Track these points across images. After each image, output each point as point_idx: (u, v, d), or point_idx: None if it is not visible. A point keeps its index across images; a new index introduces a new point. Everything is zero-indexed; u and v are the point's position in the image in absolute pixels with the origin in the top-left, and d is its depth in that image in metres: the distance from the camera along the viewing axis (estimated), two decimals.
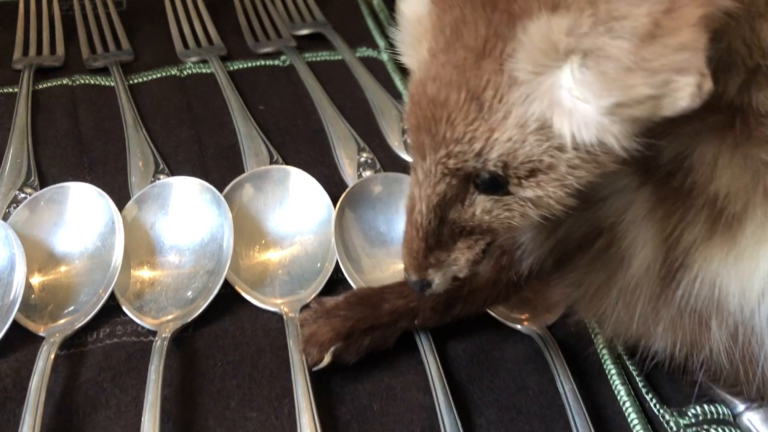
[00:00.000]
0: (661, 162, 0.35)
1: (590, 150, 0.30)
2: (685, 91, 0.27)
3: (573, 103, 0.29)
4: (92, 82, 0.67)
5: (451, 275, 0.38)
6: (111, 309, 0.49)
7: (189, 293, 0.49)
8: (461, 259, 0.37)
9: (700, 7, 0.27)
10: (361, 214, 0.53)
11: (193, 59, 0.71)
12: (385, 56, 0.73)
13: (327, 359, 0.44)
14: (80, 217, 0.51)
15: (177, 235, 0.51)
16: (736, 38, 0.31)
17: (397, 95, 0.68)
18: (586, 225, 0.39)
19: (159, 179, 0.57)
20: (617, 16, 0.27)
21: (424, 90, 0.32)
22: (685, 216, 0.36)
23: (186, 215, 0.52)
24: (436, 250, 0.36)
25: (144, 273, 0.50)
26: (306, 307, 0.48)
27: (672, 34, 0.27)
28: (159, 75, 0.69)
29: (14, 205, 0.54)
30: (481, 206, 0.35)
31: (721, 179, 0.34)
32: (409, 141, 0.35)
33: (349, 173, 0.60)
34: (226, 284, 0.50)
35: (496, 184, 0.33)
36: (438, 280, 0.37)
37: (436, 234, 0.36)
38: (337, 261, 0.51)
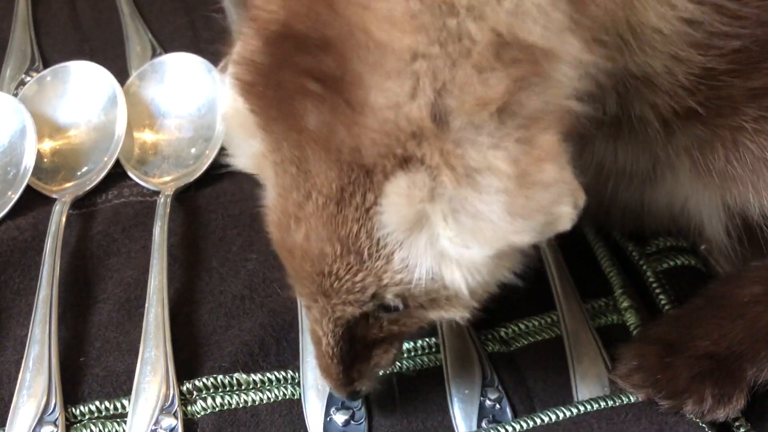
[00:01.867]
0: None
1: (485, 284, 0.31)
2: (565, 218, 0.28)
3: (458, 252, 0.29)
4: None
5: (376, 376, 0.37)
6: (118, 175, 0.52)
7: (189, 159, 0.53)
8: (382, 362, 0.36)
9: (553, 132, 0.27)
10: None
11: None
12: None
13: None
14: (84, 91, 0.54)
15: (176, 106, 0.55)
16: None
17: None
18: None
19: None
20: (477, 168, 0.27)
21: (290, 237, 0.31)
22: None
23: (183, 88, 0.55)
24: (356, 365, 0.35)
25: (147, 142, 0.54)
26: None
27: (536, 174, 0.27)
28: None
29: (21, 87, 0.57)
30: (386, 321, 0.34)
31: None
32: (295, 288, 0.34)
33: None
34: (225, 151, 0.53)
35: (397, 308, 0.33)
36: (366, 386, 0.37)
37: (350, 354, 0.35)
38: None
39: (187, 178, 0.51)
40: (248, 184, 0.52)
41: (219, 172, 0.52)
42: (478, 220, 0.27)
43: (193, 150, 0.53)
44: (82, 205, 0.51)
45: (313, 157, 0.29)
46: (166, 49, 0.62)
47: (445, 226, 0.28)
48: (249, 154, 0.33)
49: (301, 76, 0.28)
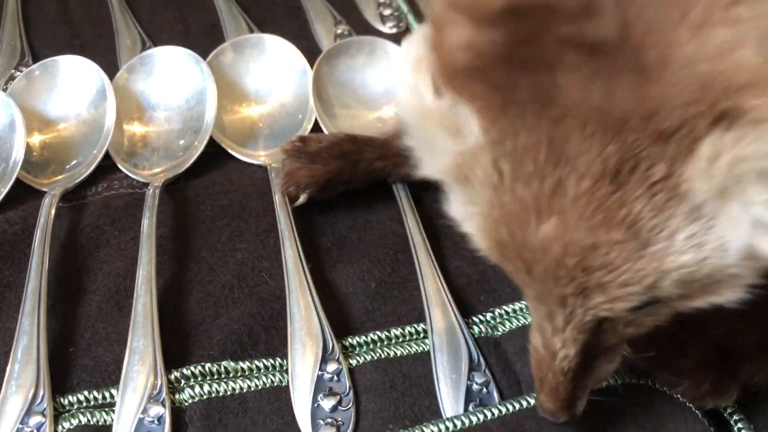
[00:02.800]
0: None
1: None
2: None
3: None
4: None
5: (592, 389, 0.34)
6: (107, 168, 0.53)
7: (178, 150, 0.53)
8: (602, 375, 0.34)
9: None
10: (337, 71, 0.56)
11: None
12: None
13: (302, 199, 0.48)
14: (73, 84, 0.54)
15: (165, 98, 0.55)
16: None
17: None
18: None
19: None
20: None
21: (536, 234, 0.28)
22: None
23: (172, 80, 0.55)
24: (581, 382, 0.33)
25: (136, 134, 0.54)
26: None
27: None
28: None
29: (10, 82, 0.57)
30: (624, 323, 0.31)
31: None
32: (529, 293, 0.31)
33: (326, 44, 0.62)
34: (214, 143, 0.54)
35: (653, 301, 0.29)
36: (582, 405, 0.34)
37: (581, 369, 0.32)
38: (316, 117, 0.54)
39: (177, 170, 0.51)
40: (237, 174, 0.53)
41: (208, 163, 0.53)
42: None
43: (182, 142, 0.53)
44: (72, 197, 0.51)
45: (579, 135, 0.26)
46: (156, 43, 0.62)
47: (761, 191, 0.25)
48: (451, 155, 0.29)
49: (561, 47, 0.25)
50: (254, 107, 0.55)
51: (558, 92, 0.26)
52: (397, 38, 0.63)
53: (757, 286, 0.29)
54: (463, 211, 0.30)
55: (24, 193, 0.50)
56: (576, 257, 0.27)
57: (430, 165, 0.31)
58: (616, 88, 0.25)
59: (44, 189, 0.50)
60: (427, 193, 0.50)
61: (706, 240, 0.27)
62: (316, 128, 0.54)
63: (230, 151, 0.54)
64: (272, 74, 0.56)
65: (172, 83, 0.55)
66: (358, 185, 0.49)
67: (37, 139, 0.53)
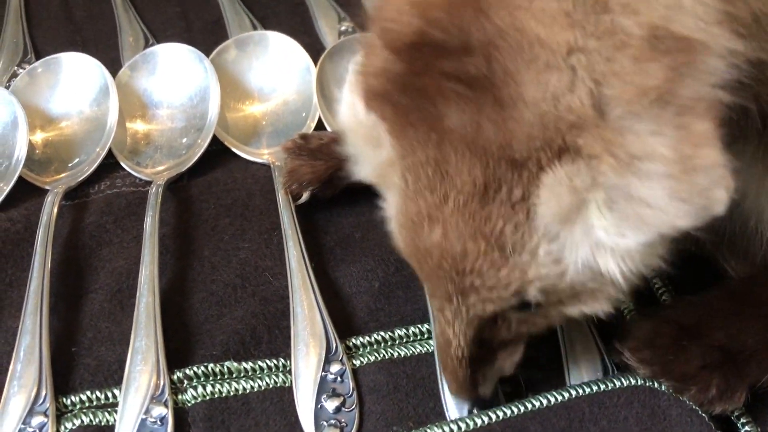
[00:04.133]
0: None
1: (636, 271, 0.31)
2: (720, 202, 0.28)
3: (613, 241, 0.29)
4: None
5: (497, 378, 0.37)
6: (110, 166, 0.52)
7: (181, 148, 0.53)
8: (505, 365, 0.37)
9: (708, 119, 0.28)
10: (341, 69, 0.56)
11: None
12: None
13: (305, 196, 0.48)
14: (76, 82, 0.54)
15: (168, 96, 0.55)
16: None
17: None
18: None
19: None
20: (638, 155, 0.27)
21: (425, 238, 0.32)
22: None
23: (175, 77, 0.55)
24: (482, 368, 0.36)
25: (139, 132, 0.54)
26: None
27: (696, 158, 0.27)
28: None
29: (13, 79, 0.57)
30: (516, 320, 0.34)
31: None
32: (426, 288, 0.35)
33: (330, 41, 0.62)
34: (217, 141, 0.53)
35: (536, 306, 0.33)
36: (488, 390, 0.37)
37: (478, 357, 0.35)
38: (319, 115, 0.54)
39: (179, 168, 0.51)
40: (240, 173, 0.53)
41: (211, 161, 0.53)
42: (640, 206, 0.28)
43: (185, 140, 0.53)
44: (75, 195, 0.51)
45: (454, 157, 0.30)
46: (159, 40, 0.62)
47: (600, 216, 0.29)
48: (374, 164, 0.34)
49: (442, 80, 0.29)
50: (257, 105, 0.55)
51: (439, 118, 0.30)
52: None
53: None
54: (387, 212, 0.35)
55: (26, 192, 0.50)
56: (451, 262, 0.31)
57: (363, 170, 0.35)
58: (482, 118, 0.29)
59: (47, 187, 0.50)
60: None
61: (563, 257, 0.30)
62: (320, 126, 0.54)
63: (233, 149, 0.53)
64: (276, 72, 0.56)
65: (175, 81, 0.55)
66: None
67: (39, 137, 0.53)
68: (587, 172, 0.28)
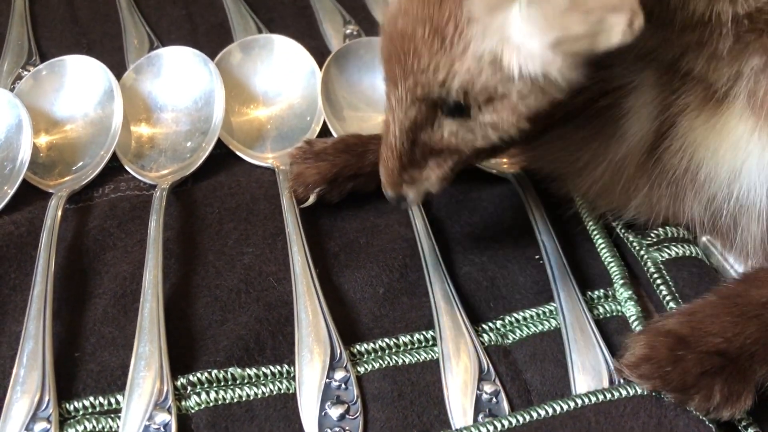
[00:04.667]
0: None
1: (536, 81, 0.34)
2: (617, 29, 0.30)
3: (521, 38, 0.32)
4: None
5: (424, 190, 0.41)
6: (115, 169, 0.52)
7: (186, 152, 0.52)
8: (432, 176, 0.40)
9: None
10: (346, 73, 0.56)
11: None
12: None
13: (312, 198, 0.48)
14: (80, 85, 0.54)
15: (172, 99, 0.54)
16: None
17: None
18: (593, 88, 0.42)
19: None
20: None
21: (395, 24, 0.36)
22: (682, 86, 0.40)
23: (180, 81, 0.55)
24: (410, 169, 0.40)
25: (143, 136, 0.54)
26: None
27: None
28: None
29: (18, 81, 0.57)
30: (447, 129, 0.38)
31: (715, 74, 0.38)
32: (382, 72, 0.38)
33: (335, 45, 0.62)
34: (222, 145, 0.53)
35: (460, 110, 0.37)
36: (412, 194, 0.41)
37: (409, 154, 0.39)
38: (324, 119, 0.54)
39: (184, 172, 0.51)
40: (244, 177, 0.52)
41: (215, 164, 0.52)
42: (547, 5, 0.31)
43: (189, 143, 0.53)
44: (79, 199, 0.50)
45: None
46: (164, 42, 0.62)
47: (518, 11, 0.32)
48: None
49: None
50: (262, 109, 0.55)
51: None
52: None
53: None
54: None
55: (30, 195, 0.50)
56: (403, 42, 0.35)
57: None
58: None
59: (51, 190, 0.50)
60: (438, 198, 0.50)
61: (483, 55, 0.34)
62: (325, 130, 0.54)
63: (238, 153, 0.53)
64: (281, 75, 0.56)
65: (179, 84, 0.55)
66: (365, 180, 0.49)
67: (43, 140, 0.52)
68: None
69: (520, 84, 0.34)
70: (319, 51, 0.61)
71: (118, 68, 0.58)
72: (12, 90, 0.56)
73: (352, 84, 0.55)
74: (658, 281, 0.44)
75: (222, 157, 0.53)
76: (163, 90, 0.55)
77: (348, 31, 0.63)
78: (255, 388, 0.39)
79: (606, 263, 0.45)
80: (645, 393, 0.38)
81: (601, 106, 0.43)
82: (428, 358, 0.41)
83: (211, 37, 0.62)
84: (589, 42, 0.31)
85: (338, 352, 0.40)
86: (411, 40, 0.35)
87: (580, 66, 0.33)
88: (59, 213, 0.47)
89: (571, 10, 0.30)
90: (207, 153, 0.52)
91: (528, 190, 0.49)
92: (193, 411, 0.38)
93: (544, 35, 0.31)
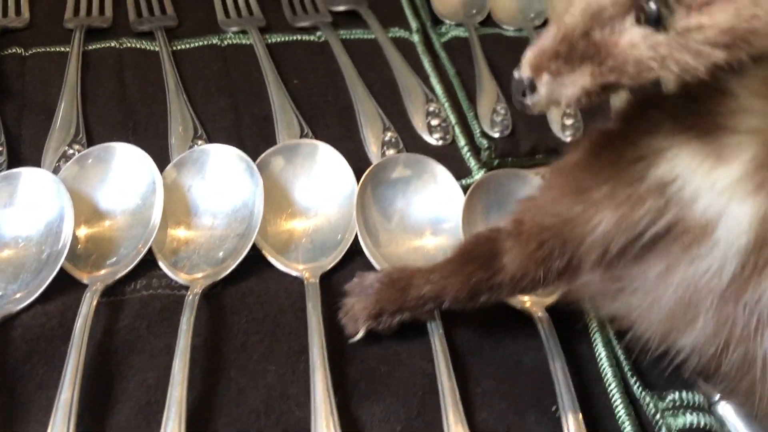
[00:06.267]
0: None
1: None
2: None
3: None
4: (138, 46, 0.71)
5: (556, 97, 0.37)
6: (148, 263, 0.53)
7: (220, 253, 0.53)
8: (577, 84, 0.36)
9: None
10: (381, 191, 0.57)
11: (234, 29, 0.75)
12: (416, 38, 0.76)
13: (361, 333, 0.49)
14: (124, 176, 0.55)
15: (212, 198, 0.56)
16: None
17: (424, 77, 0.71)
18: (668, 214, 0.40)
19: (197, 144, 0.61)
20: None
21: None
22: None
23: (221, 181, 0.56)
24: (563, 60, 0.36)
25: (180, 232, 0.55)
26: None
27: None
28: (201, 43, 0.72)
29: (63, 159, 0.59)
30: (629, 37, 0.34)
31: None
32: None
33: (373, 150, 0.63)
34: (254, 247, 0.54)
35: (659, 18, 0.33)
36: (543, 91, 0.36)
37: (573, 43, 0.35)
38: (356, 233, 0.55)
39: (216, 276, 0.52)
40: (273, 284, 0.53)
41: (246, 266, 0.53)
42: None
43: (225, 245, 0.54)
44: (111, 292, 0.51)
45: None
46: (207, 131, 0.63)
47: None
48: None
49: None
50: (298, 218, 0.56)
51: None
52: (442, 151, 0.64)
53: None
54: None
55: (64, 283, 0.51)
56: None
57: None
58: None
59: (85, 281, 0.51)
60: (460, 329, 0.51)
61: None
62: (357, 247, 0.55)
63: (269, 258, 0.54)
64: (321, 187, 0.57)
65: (221, 184, 0.56)
66: (410, 314, 0.49)
67: (83, 232, 0.53)
68: None
69: None
70: (358, 155, 0.62)
71: (161, 154, 0.59)
72: (57, 169, 0.57)
73: (386, 207, 0.56)
74: None
75: (254, 259, 0.54)
76: (203, 189, 0.56)
77: (386, 138, 0.64)
78: None
79: (620, 422, 0.46)
80: None
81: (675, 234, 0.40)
82: None
83: (255, 130, 0.64)
84: None
85: None
86: None
87: None
88: (92, 310, 0.48)
89: None
90: (241, 257, 0.53)
91: (551, 335, 0.50)
92: None
93: None
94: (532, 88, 0.37)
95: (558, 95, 0.37)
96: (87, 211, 0.54)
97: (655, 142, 0.39)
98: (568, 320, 0.52)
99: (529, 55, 0.37)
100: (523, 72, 0.37)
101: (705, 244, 0.39)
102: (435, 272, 0.48)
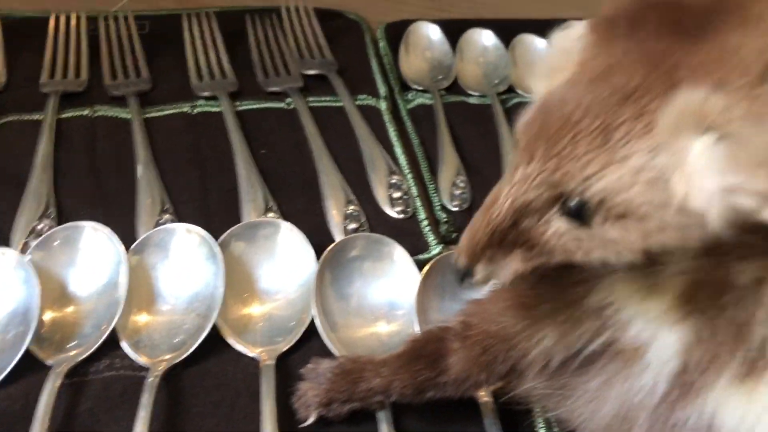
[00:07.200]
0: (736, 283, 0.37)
1: (686, 217, 0.33)
2: None
3: (697, 169, 0.31)
4: (111, 114, 0.73)
5: (494, 276, 0.40)
6: (110, 342, 0.55)
7: (180, 335, 0.55)
8: (511, 267, 0.39)
9: None
10: (339, 273, 0.59)
11: (205, 93, 0.77)
12: (383, 105, 0.78)
13: (312, 419, 0.51)
14: (91, 257, 0.57)
15: (174, 280, 0.58)
16: None
17: (389, 146, 0.74)
18: (604, 335, 0.42)
19: (163, 218, 0.63)
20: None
21: (561, 106, 0.35)
22: (723, 346, 0.38)
23: (184, 263, 0.58)
24: (495, 249, 0.38)
25: (142, 313, 0.57)
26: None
27: None
28: (172, 111, 0.74)
29: (32, 234, 0.60)
30: (555, 228, 0.37)
31: None
32: (519, 142, 0.37)
33: (336, 223, 0.66)
34: (214, 327, 0.56)
35: (581, 215, 0.36)
36: (480, 275, 0.39)
37: (503, 234, 0.38)
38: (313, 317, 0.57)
39: (176, 358, 0.54)
40: (231, 366, 0.55)
41: (205, 346, 0.55)
42: (742, 150, 0.30)
43: (185, 326, 0.56)
44: (74, 373, 0.53)
45: (627, 62, 0.35)
46: (174, 203, 0.65)
47: (704, 143, 0.31)
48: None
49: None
50: (258, 300, 0.58)
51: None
52: (402, 226, 0.66)
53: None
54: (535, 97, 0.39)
55: (28, 365, 0.53)
56: (563, 125, 0.35)
57: (538, 85, 0.39)
58: (675, 46, 0.34)
59: (49, 362, 0.53)
60: (409, 414, 0.53)
61: (644, 170, 0.33)
62: (314, 325, 0.57)
63: (228, 339, 0.56)
64: (279, 267, 0.59)
65: (183, 266, 0.58)
66: (360, 405, 0.51)
67: (48, 315, 0.55)
68: (723, 106, 0.31)
69: (670, 212, 0.33)
70: (320, 230, 0.65)
71: (127, 228, 0.62)
72: (26, 246, 0.59)
73: (344, 288, 0.58)
74: None
75: (213, 338, 0.56)
76: (166, 270, 0.58)
77: (349, 211, 0.67)
78: None
79: None
80: None
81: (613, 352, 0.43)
82: None
83: (221, 205, 0.66)
84: (762, 203, 0.30)
85: None
86: (574, 126, 0.34)
87: (732, 224, 0.32)
88: (54, 393, 0.50)
89: (764, 165, 0.29)
90: (202, 337, 0.55)
91: (495, 421, 0.52)
92: None
93: (726, 176, 0.30)
94: (471, 274, 0.40)
95: (495, 276, 0.40)
96: (54, 294, 0.56)
97: (594, 270, 0.41)
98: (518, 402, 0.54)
99: (463, 247, 0.39)
100: (460, 263, 0.40)
101: (638, 365, 0.42)
102: (385, 366, 0.50)
